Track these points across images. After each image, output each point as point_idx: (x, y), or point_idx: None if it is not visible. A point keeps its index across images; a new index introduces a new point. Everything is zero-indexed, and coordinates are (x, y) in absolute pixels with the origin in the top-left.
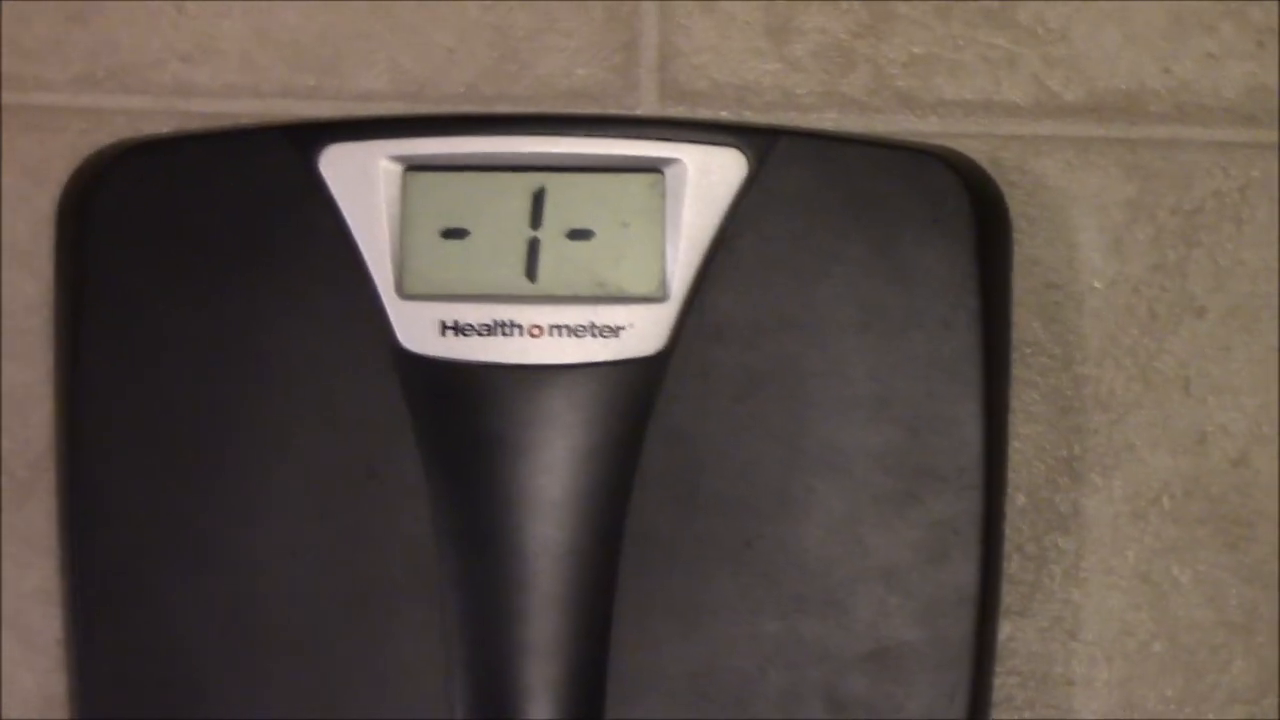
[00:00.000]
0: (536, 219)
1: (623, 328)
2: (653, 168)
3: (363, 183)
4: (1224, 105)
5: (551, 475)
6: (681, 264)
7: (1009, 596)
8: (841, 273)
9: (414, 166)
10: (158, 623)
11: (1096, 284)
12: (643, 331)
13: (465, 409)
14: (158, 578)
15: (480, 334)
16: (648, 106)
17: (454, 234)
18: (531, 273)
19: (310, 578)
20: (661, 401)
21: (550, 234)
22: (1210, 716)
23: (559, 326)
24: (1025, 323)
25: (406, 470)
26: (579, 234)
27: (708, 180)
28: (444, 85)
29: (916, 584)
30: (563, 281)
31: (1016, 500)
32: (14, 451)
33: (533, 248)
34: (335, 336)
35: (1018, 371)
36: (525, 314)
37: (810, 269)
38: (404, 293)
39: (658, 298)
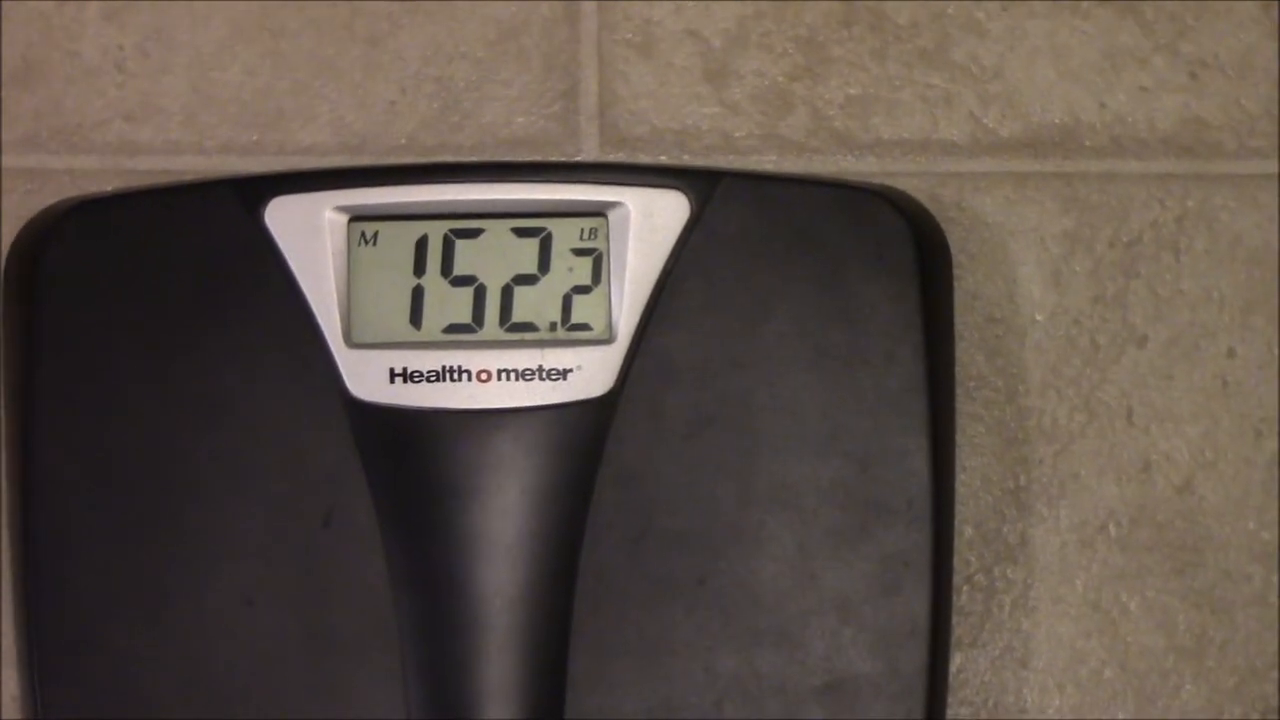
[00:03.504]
0: (482, 265)
1: (571, 370)
2: (596, 211)
3: (308, 234)
4: (1159, 137)
5: (504, 519)
6: (628, 306)
7: (959, 628)
8: (786, 310)
9: (358, 216)
10: (116, 677)
11: (1038, 316)
12: (591, 373)
13: (416, 455)
14: (114, 632)
15: (429, 380)
16: (589, 152)
17: (400, 282)
18: (478, 318)
19: (268, 627)
20: (611, 442)
21: (495, 280)
22: None
23: (507, 371)
24: (969, 357)
25: (360, 517)
26: (524, 279)
27: (651, 222)
28: (386, 137)
29: (869, 616)
30: (509, 326)
31: (964, 532)
32: None
33: (479, 294)
34: (286, 387)
35: (962, 405)
36: (473, 359)
37: (756, 307)
38: (352, 341)
39: (605, 340)
